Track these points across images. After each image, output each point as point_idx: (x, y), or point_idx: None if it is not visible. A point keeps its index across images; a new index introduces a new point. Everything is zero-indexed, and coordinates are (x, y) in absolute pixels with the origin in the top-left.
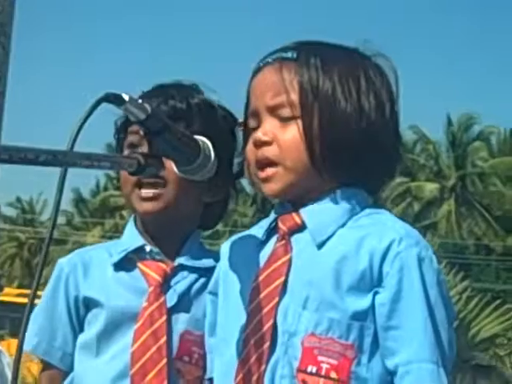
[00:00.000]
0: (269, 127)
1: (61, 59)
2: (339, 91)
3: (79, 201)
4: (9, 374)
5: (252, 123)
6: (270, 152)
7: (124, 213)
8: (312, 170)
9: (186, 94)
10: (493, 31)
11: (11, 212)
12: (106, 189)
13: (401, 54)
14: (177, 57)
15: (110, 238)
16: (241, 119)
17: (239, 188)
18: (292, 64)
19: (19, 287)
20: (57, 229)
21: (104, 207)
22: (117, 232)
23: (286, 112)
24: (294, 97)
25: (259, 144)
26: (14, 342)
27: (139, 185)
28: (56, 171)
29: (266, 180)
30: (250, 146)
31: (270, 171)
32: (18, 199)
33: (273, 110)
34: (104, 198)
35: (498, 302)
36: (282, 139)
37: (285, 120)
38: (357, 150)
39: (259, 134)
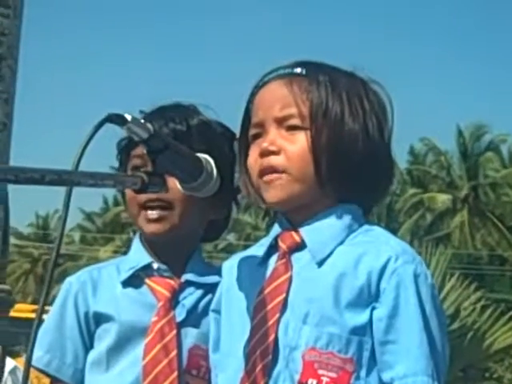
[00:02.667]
0: (276, 137)
1: (67, 68)
2: (347, 110)
3: (90, 217)
4: None
5: (256, 134)
6: (276, 161)
7: (136, 228)
8: (315, 183)
9: (186, 116)
10: (502, 39)
11: (27, 229)
12: (117, 204)
13: (409, 66)
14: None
15: (125, 253)
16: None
17: (245, 202)
18: (302, 79)
19: (33, 303)
20: (71, 245)
21: (115, 223)
22: (130, 247)
23: (294, 123)
24: (304, 110)
25: (266, 153)
26: None
27: (145, 206)
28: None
29: (270, 184)
30: (253, 156)
31: (274, 176)
32: (36, 215)
33: (281, 122)
34: (116, 213)
35: None
36: (289, 150)
37: (293, 130)
38: (360, 168)
39: (266, 144)
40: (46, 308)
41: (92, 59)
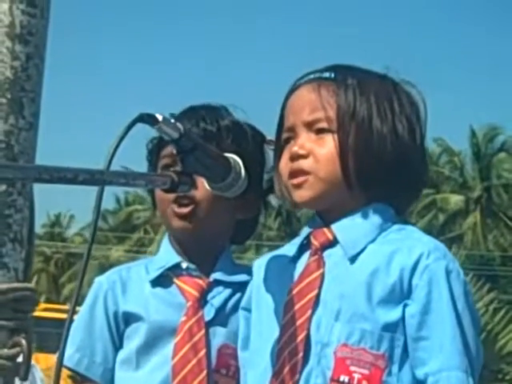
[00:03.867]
0: (305, 141)
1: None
2: (375, 112)
3: (104, 216)
4: None
5: (287, 138)
6: (305, 164)
7: (148, 227)
8: (343, 184)
9: (216, 116)
10: None
11: (42, 230)
12: (128, 204)
13: (423, 66)
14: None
15: (137, 252)
16: (269, 137)
17: (268, 203)
18: (330, 83)
19: (46, 302)
20: (84, 244)
21: (128, 222)
22: (142, 246)
23: (322, 126)
24: (332, 113)
25: (295, 157)
26: (42, 357)
27: (175, 201)
28: (83, 188)
29: (298, 187)
30: (284, 160)
31: (302, 178)
32: (48, 214)
33: (310, 125)
34: (128, 212)
35: None
36: (318, 153)
37: (321, 133)
38: (389, 170)
39: (296, 148)
40: (63, 307)
41: (118, 59)
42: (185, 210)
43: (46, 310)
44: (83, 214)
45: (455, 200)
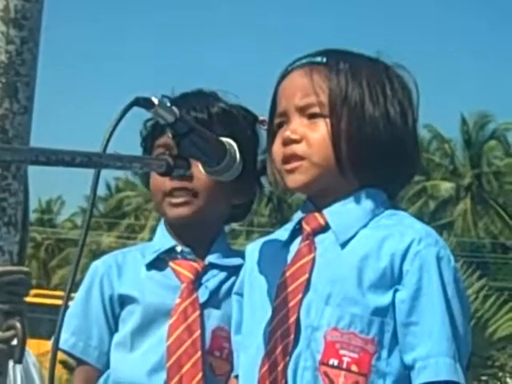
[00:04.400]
0: (298, 126)
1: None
2: (367, 96)
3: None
4: (34, 373)
5: (280, 123)
6: (298, 148)
7: (139, 213)
8: (336, 169)
9: (207, 104)
10: (508, 29)
11: (33, 215)
12: (119, 190)
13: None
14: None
15: (128, 238)
16: (261, 116)
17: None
18: (322, 68)
19: (36, 288)
20: (74, 230)
21: (119, 209)
22: (133, 233)
23: (314, 111)
24: (324, 98)
25: (288, 142)
26: (33, 342)
27: (170, 193)
28: (73, 173)
29: (291, 171)
30: (277, 144)
31: (295, 164)
32: (39, 200)
33: (302, 110)
34: (119, 199)
35: None
36: (311, 137)
37: (313, 118)
38: (381, 154)
39: (288, 133)
40: (54, 293)
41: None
42: (180, 199)
43: (37, 295)
44: (74, 199)
45: (446, 187)
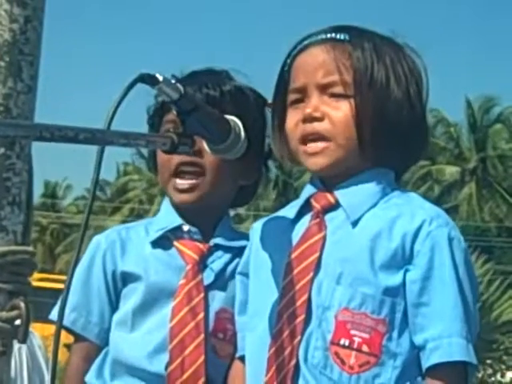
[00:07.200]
0: (319, 104)
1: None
2: (392, 77)
3: (101, 187)
4: (40, 355)
5: (295, 100)
6: (321, 127)
7: (143, 198)
8: (357, 150)
9: (218, 81)
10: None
11: (39, 200)
12: (125, 173)
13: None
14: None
15: (132, 222)
16: (271, 100)
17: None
18: (345, 46)
19: (41, 272)
20: (79, 214)
21: (122, 192)
22: (137, 216)
23: (338, 90)
24: (348, 77)
25: (309, 119)
26: (38, 326)
27: (176, 174)
28: (79, 157)
29: (314, 154)
30: (293, 121)
31: (320, 145)
32: (45, 184)
33: (323, 88)
34: (123, 183)
35: None
36: (334, 116)
37: (336, 97)
38: (401, 135)
39: (309, 110)
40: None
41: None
42: (186, 184)
43: (42, 279)
44: (80, 184)
45: (451, 171)
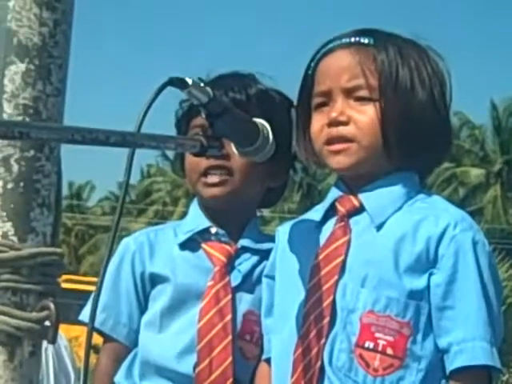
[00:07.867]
0: (344, 108)
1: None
2: (417, 80)
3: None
4: (65, 356)
5: (320, 103)
6: (347, 131)
7: (167, 200)
8: (382, 152)
9: (245, 85)
10: None
11: (63, 202)
12: (149, 175)
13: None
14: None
15: (156, 224)
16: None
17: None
18: (370, 49)
19: (67, 273)
20: (104, 216)
21: (146, 194)
22: (162, 218)
23: (363, 94)
24: (373, 81)
25: (335, 123)
26: (63, 327)
27: (205, 173)
28: (102, 159)
29: (337, 153)
30: (319, 125)
31: (344, 145)
32: (70, 184)
33: (349, 92)
34: (147, 185)
35: None
36: (359, 120)
37: (361, 101)
38: (426, 138)
39: (334, 114)
40: (85, 279)
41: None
42: (216, 178)
43: (67, 281)
44: (104, 185)
45: (475, 173)
